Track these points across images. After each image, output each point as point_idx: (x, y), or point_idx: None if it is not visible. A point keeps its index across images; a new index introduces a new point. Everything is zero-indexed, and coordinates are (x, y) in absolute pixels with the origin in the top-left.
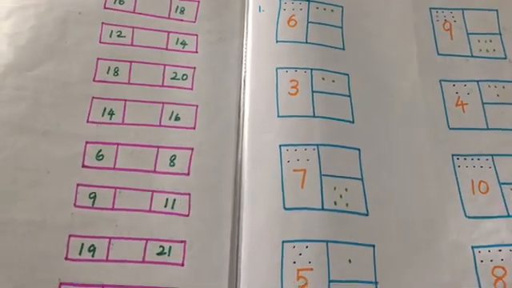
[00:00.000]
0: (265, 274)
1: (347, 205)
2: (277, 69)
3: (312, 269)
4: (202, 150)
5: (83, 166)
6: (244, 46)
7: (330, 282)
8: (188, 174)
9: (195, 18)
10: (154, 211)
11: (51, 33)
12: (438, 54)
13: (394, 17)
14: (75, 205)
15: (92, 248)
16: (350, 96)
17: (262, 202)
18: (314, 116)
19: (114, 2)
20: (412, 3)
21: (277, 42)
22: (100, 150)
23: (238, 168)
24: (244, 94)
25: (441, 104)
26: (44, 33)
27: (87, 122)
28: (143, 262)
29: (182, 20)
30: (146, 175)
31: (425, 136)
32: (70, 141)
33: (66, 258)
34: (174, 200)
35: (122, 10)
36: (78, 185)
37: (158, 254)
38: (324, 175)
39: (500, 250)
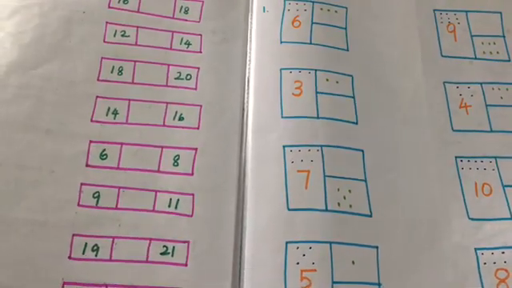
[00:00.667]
0: (268, 275)
1: (351, 206)
2: (281, 69)
3: (315, 270)
4: (206, 150)
5: (87, 165)
6: (248, 47)
7: (333, 283)
8: (192, 174)
9: (199, 18)
10: (158, 211)
11: (55, 32)
12: (442, 56)
13: (398, 18)
14: (79, 204)
15: (95, 247)
16: (353, 97)
17: (266, 202)
18: (317, 117)
19: (119, 2)
20: (416, 5)
21: (281, 42)
22: (104, 150)
23: (241, 168)
24: (248, 94)
25: (444, 106)
26: (48, 32)
27: (91, 121)
28: (147, 261)
29: (186, 20)
30: (150, 175)
31: (428, 138)
32: (74, 140)
33: (70, 258)
34: (178, 200)
35: (127, 10)
36: (81, 184)
37: (162, 253)
38: (328, 176)
39: (503, 253)
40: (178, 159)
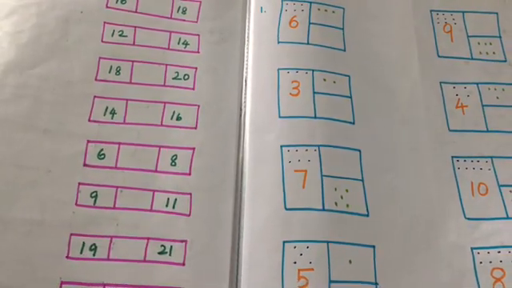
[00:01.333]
0: (266, 274)
1: (348, 205)
2: (278, 69)
3: (313, 269)
4: (204, 150)
5: (85, 164)
6: (245, 47)
7: (330, 282)
8: (189, 174)
9: (197, 19)
10: (156, 211)
11: (53, 31)
12: (439, 56)
13: (395, 18)
14: (76, 204)
15: (93, 247)
16: (350, 97)
17: (263, 202)
18: (315, 117)
19: (116, 2)
20: (412, 5)
21: (278, 42)
22: (101, 149)
23: (239, 168)
24: (245, 94)
25: (441, 106)
26: (46, 31)
27: (89, 121)
28: (144, 261)
29: (184, 20)
30: (148, 175)
31: (425, 138)
32: (72, 140)
33: (68, 257)
34: (176, 200)
35: (124, 10)
36: (79, 184)
37: (159, 253)
38: (325, 176)
39: (499, 252)
40: (175, 159)
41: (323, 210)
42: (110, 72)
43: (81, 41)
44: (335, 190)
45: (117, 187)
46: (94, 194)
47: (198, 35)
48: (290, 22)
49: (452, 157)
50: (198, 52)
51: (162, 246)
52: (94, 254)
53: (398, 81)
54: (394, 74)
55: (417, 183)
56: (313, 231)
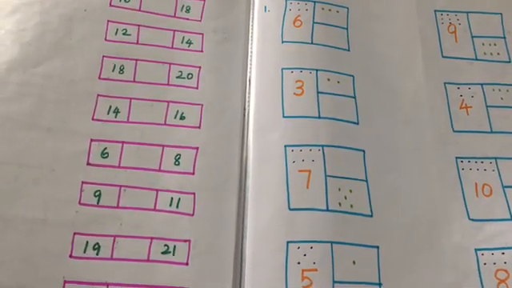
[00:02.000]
0: (269, 275)
1: (352, 206)
2: (282, 69)
3: (316, 269)
4: (207, 150)
5: (88, 163)
6: (249, 46)
7: (334, 282)
8: (193, 174)
9: (201, 17)
10: (159, 210)
11: (56, 30)
12: (443, 57)
13: (399, 19)
14: (80, 202)
15: (96, 246)
16: (354, 97)
17: (267, 202)
18: (319, 117)
19: (120, 0)
20: (416, 5)
21: (282, 42)
22: (105, 148)
23: (242, 168)
24: (249, 93)
25: (445, 106)
26: (49, 30)
27: (92, 119)
28: (148, 260)
29: (187, 19)
30: (151, 174)
31: (429, 138)
32: (75, 138)
33: (71, 256)
34: (179, 199)
35: (128, 8)
36: (82, 182)
37: (163, 252)
38: (329, 176)
39: (503, 253)
40: (179, 158)
41: (327, 210)
42: (113, 71)
43: (84, 39)
44: (339, 190)
45: (120, 186)
46: (97, 193)
47: (202, 34)
48: (294, 22)
49: (456, 157)
50: (202, 51)
51: (166, 245)
52: (97, 254)
53: (402, 81)
54: (398, 75)
55: (420, 184)
56: (317, 231)
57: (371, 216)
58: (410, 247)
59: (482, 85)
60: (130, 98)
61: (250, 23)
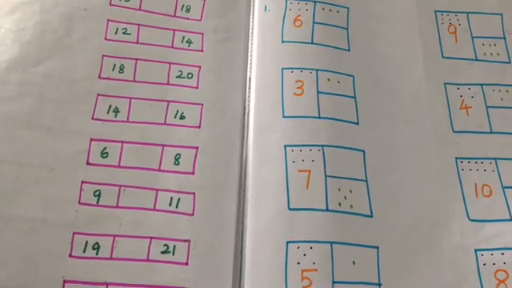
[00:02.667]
0: (269, 275)
1: (351, 206)
2: (282, 69)
3: (316, 270)
4: (207, 149)
5: (88, 163)
6: (250, 46)
7: (333, 283)
8: (193, 173)
9: (201, 17)
10: (159, 210)
11: (56, 29)
12: (443, 57)
13: (399, 19)
14: (79, 202)
15: (96, 246)
16: (354, 97)
17: (267, 202)
18: (319, 117)
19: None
20: (417, 6)
21: (282, 42)
22: (105, 148)
23: (242, 168)
24: (249, 93)
25: (445, 107)
26: (49, 29)
27: (92, 119)
28: (147, 260)
29: (187, 18)
30: (151, 173)
31: (429, 139)
32: (75, 137)
33: (70, 256)
34: (179, 199)
35: (128, 8)
36: (82, 182)
37: (163, 252)
38: (329, 176)
39: (503, 254)
40: (178, 158)
41: (327, 210)
42: (113, 70)
43: (84, 38)
44: (339, 190)
45: (120, 186)
46: (97, 193)
47: (202, 34)
48: (295, 22)
49: (456, 158)
50: (202, 51)
51: (165, 245)
52: (96, 253)
53: (402, 81)
54: (399, 75)
55: (420, 184)
56: (316, 232)
57: (371, 216)
58: (410, 247)
59: (481, 85)
60: (130, 98)
61: (251, 23)
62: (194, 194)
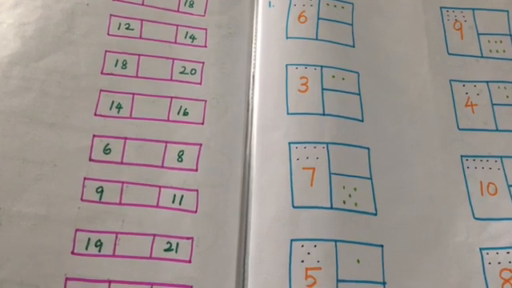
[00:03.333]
0: (273, 273)
1: (356, 204)
2: (286, 65)
3: (320, 268)
4: (211, 146)
5: (90, 159)
6: (253, 42)
7: (338, 281)
8: (196, 170)
9: (204, 12)
10: (162, 207)
11: (59, 24)
12: (449, 54)
13: (405, 15)
14: (82, 199)
15: (99, 243)
16: (359, 94)
17: (271, 199)
18: (323, 114)
19: None
20: (422, 2)
21: (287, 38)
22: (107, 144)
23: (246, 165)
24: (253, 90)
25: (450, 104)
26: (51, 24)
27: (95, 115)
28: (150, 257)
29: (191, 14)
30: (154, 170)
31: (434, 136)
32: (78, 134)
33: (73, 253)
34: (182, 196)
35: (131, 3)
36: (84, 179)
37: (166, 250)
38: (333, 174)
39: (508, 253)
40: (182, 155)
41: (331, 208)
42: (116, 65)
43: (87, 34)
44: (343, 188)
45: (123, 183)
46: (99, 190)
47: (206, 29)
48: (299, 18)
49: (461, 156)
50: (206, 46)
51: (169, 242)
52: (99, 250)
53: (407, 78)
54: (404, 72)
55: (425, 182)
56: (321, 230)
57: (375, 214)
58: (415, 246)
59: (487, 82)
60: (133, 94)
61: (255, 19)
62: (197, 191)
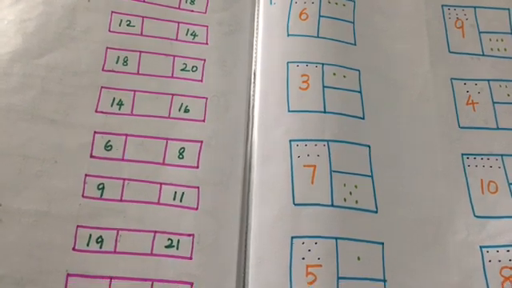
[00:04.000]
0: (273, 270)
1: (357, 202)
2: (288, 63)
3: (321, 265)
4: (212, 144)
5: (91, 156)
6: (255, 39)
7: (338, 278)
8: (197, 167)
9: (206, 10)
10: (163, 204)
11: (60, 20)
12: (450, 52)
13: (406, 13)
14: (83, 195)
15: (100, 239)
16: (360, 92)
17: (272, 197)
18: (324, 111)
19: None
20: (424, 0)
21: (288, 35)
22: (108, 141)
23: (247, 162)
24: (254, 87)
25: (451, 102)
26: (52, 20)
27: (96, 111)
28: (151, 254)
29: (192, 11)
30: (155, 167)
31: (435, 134)
32: (79, 130)
33: (74, 249)
34: (183, 193)
35: None
36: (85, 175)
37: (167, 246)
38: (334, 171)
39: (508, 251)
40: (183, 152)
41: (332, 205)
42: (117, 62)
43: (88, 30)
44: (344, 185)
45: (124, 179)
46: (100, 186)
47: (207, 26)
48: (300, 15)
49: (462, 154)
50: (207, 43)
51: (169, 239)
52: (100, 247)
53: (408, 76)
54: (405, 70)
55: (426, 180)
56: (321, 227)
57: (376, 212)
58: (415, 243)
59: (488, 81)
60: (134, 91)
61: (256, 16)
62: (198, 188)
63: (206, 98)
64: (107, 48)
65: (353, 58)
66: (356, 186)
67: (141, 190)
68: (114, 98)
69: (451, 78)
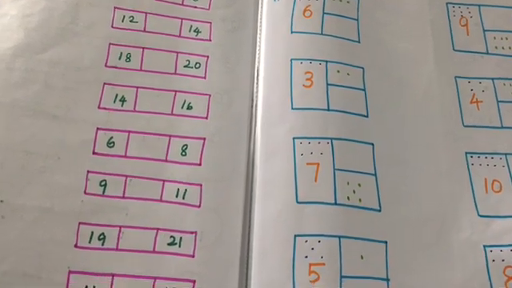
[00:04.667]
0: (276, 268)
1: (360, 200)
2: (291, 60)
3: (324, 264)
4: (215, 141)
5: (94, 152)
6: (258, 36)
7: (341, 277)
8: (200, 165)
9: (209, 6)
10: (165, 201)
11: (62, 16)
12: (454, 50)
13: (410, 11)
14: (85, 192)
15: (102, 236)
16: (364, 90)
17: (275, 194)
18: (328, 109)
19: None
20: None
21: (291, 32)
22: (111, 137)
23: (250, 159)
24: (257, 84)
25: (456, 101)
26: (55, 15)
27: (98, 108)
28: (154, 252)
29: (195, 7)
30: (157, 164)
31: (439, 133)
32: (81, 127)
33: (76, 246)
34: (186, 190)
35: None
36: (88, 172)
37: (169, 244)
38: (337, 169)
39: None
40: (185, 149)
41: (335, 204)
42: (120, 58)
43: (91, 26)
44: (348, 184)
45: (126, 176)
46: (103, 183)
47: (210, 23)
48: (304, 12)
49: (466, 152)
50: (210, 40)
51: (172, 237)
52: (102, 244)
53: (412, 74)
54: (409, 68)
55: (430, 179)
56: (325, 225)
57: (380, 211)
58: (419, 242)
59: (493, 79)
60: (137, 87)
61: (259, 12)
62: (201, 185)
63: (209, 95)
64: (110, 44)
65: (357, 56)
66: (359, 185)
67: (143, 187)
68: (116, 95)
69: (455, 77)
